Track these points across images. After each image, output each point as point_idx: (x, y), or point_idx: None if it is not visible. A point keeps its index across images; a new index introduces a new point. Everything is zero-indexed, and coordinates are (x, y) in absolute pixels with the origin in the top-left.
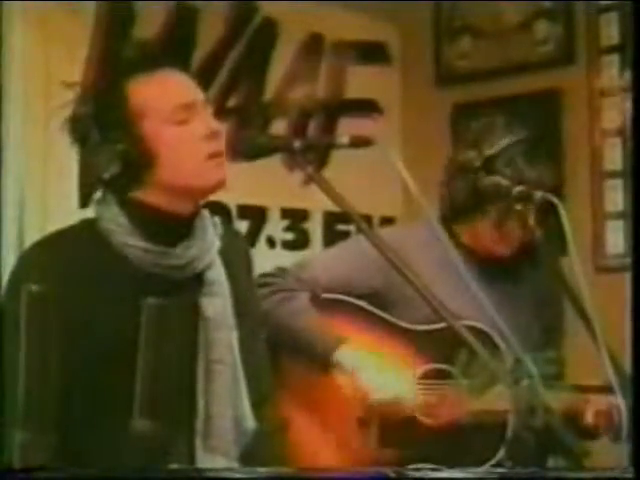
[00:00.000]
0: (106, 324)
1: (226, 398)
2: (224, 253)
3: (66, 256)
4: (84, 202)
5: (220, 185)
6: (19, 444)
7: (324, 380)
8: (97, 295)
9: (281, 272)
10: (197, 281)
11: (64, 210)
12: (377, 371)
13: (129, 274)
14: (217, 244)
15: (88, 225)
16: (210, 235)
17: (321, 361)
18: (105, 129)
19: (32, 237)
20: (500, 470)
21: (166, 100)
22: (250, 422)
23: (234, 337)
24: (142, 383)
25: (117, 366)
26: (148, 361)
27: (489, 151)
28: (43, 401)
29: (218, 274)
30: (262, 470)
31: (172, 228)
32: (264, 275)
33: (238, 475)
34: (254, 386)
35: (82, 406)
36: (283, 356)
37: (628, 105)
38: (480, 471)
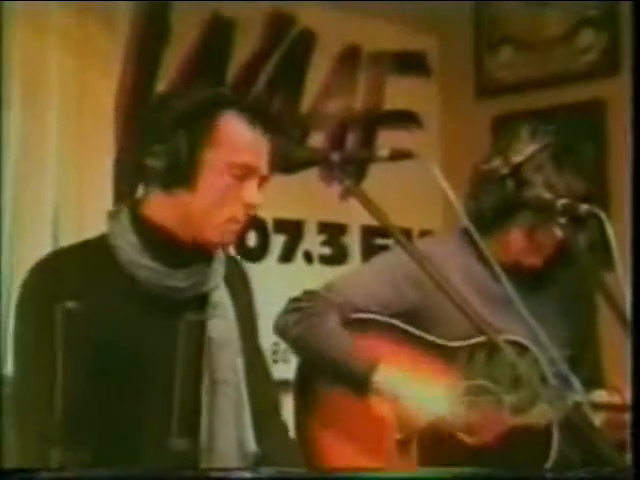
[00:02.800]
0: (115, 342)
1: (230, 419)
2: (226, 279)
3: (76, 272)
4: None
5: (222, 248)
6: (57, 463)
7: (361, 403)
8: (111, 312)
9: (311, 296)
10: (202, 302)
11: (100, 215)
12: (418, 392)
13: (136, 292)
14: (222, 269)
15: (102, 240)
16: (216, 261)
17: (357, 385)
18: (185, 126)
19: (68, 241)
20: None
21: (241, 153)
22: (252, 445)
23: (238, 359)
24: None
25: (128, 385)
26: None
27: (517, 158)
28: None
29: (222, 297)
30: (268, 471)
31: (179, 251)
32: (293, 300)
33: (244, 475)
34: (258, 410)
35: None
36: (318, 381)
37: None
38: None
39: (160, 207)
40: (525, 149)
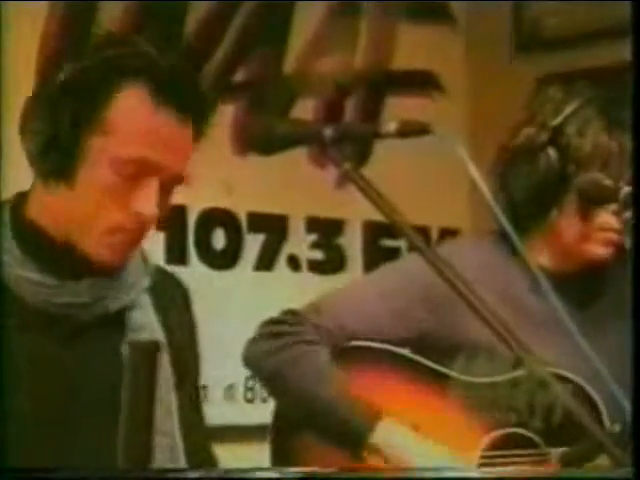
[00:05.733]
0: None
1: None
2: (156, 296)
3: None
4: None
5: (108, 269)
6: None
7: (357, 465)
8: None
9: (293, 317)
10: (119, 325)
11: None
12: (428, 452)
13: (25, 314)
14: (144, 282)
15: None
16: (132, 270)
17: (353, 443)
18: (70, 100)
19: None
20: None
21: (136, 145)
22: None
23: (173, 402)
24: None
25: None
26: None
27: (555, 120)
28: None
29: (146, 318)
30: (269, 470)
31: (76, 259)
32: (270, 323)
33: (243, 476)
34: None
35: None
36: (301, 434)
37: None
38: None
39: (41, 206)
40: (563, 108)
